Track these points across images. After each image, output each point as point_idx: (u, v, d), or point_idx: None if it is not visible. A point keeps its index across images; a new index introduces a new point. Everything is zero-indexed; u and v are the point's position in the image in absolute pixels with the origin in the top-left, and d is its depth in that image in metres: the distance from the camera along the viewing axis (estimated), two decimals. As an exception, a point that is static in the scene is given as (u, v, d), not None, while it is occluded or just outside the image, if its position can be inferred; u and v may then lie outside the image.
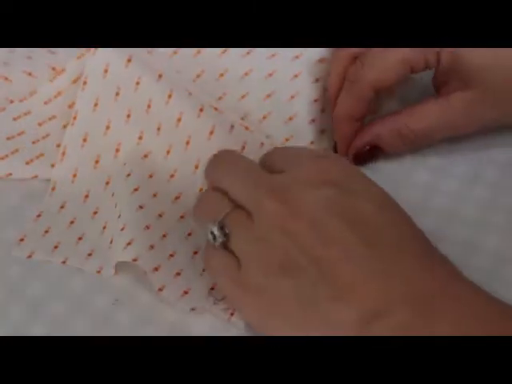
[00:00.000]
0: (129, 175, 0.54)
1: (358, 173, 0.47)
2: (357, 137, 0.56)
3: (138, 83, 0.55)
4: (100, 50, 0.56)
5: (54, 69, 0.59)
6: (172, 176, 0.55)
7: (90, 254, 0.52)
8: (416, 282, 0.43)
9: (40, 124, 0.57)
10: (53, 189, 0.55)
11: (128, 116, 0.56)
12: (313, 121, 0.58)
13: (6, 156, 0.56)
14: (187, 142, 0.55)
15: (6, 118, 0.57)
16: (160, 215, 0.52)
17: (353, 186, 0.46)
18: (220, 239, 0.46)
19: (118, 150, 0.55)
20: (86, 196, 0.54)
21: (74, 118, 0.56)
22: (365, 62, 0.54)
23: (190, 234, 0.52)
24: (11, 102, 0.58)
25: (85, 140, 0.56)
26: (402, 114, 0.55)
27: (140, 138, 0.55)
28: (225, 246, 0.46)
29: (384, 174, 0.56)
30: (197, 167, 0.54)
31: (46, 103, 0.58)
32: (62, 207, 0.54)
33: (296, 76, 0.58)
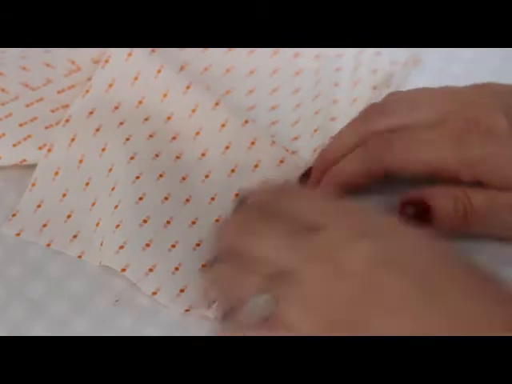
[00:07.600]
0: (113, 189, 0.53)
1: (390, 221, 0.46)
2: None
3: (140, 102, 0.56)
4: (110, 63, 0.56)
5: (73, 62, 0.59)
6: (161, 176, 0.54)
7: (75, 236, 0.52)
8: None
9: (28, 105, 0.57)
10: (33, 185, 0.54)
11: (121, 123, 0.56)
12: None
13: None
14: (203, 154, 0.55)
15: None
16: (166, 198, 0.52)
17: (384, 234, 0.44)
18: (270, 307, 0.43)
19: (104, 150, 0.55)
20: (64, 195, 0.54)
21: (67, 120, 0.56)
22: (395, 144, 0.50)
23: (194, 222, 0.52)
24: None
25: (73, 140, 0.55)
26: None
27: (132, 158, 0.55)
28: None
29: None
30: (208, 176, 0.55)
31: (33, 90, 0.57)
32: (38, 206, 0.54)
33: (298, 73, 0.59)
